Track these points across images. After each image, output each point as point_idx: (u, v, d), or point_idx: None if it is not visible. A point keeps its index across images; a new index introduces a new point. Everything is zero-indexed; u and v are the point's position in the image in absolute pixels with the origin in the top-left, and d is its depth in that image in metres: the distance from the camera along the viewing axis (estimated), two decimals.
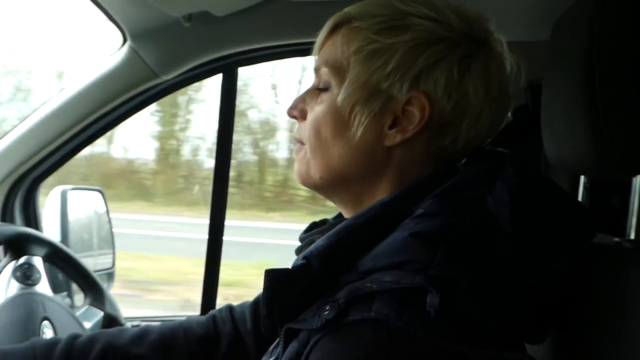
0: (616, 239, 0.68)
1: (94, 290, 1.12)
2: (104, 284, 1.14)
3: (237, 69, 1.37)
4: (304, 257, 0.56)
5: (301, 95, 0.66)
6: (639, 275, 0.58)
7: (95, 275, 1.12)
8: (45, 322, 0.95)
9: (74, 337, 0.77)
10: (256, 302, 0.86)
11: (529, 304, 0.55)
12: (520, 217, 0.55)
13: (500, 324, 0.51)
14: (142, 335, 0.80)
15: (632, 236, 0.68)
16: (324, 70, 0.62)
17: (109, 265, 1.74)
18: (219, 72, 1.36)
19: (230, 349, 0.81)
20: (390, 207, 0.59)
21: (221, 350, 0.81)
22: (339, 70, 0.61)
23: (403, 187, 0.60)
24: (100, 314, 1.11)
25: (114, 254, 1.78)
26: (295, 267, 0.56)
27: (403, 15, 0.59)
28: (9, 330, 0.90)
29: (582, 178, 0.81)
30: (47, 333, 0.94)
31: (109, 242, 1.78)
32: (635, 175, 0.68)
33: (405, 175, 0.61)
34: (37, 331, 0.92)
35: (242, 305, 0.87)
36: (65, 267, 1.10)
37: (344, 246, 0.57)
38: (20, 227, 1.06)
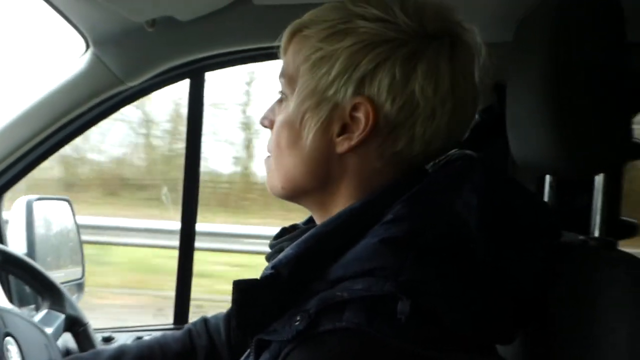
0: (581, 237, 0.69)
1: (51, 293, 1.06)
2: (64, 287, 1.09)
3: (204, 74, 1.36)
4: (273, 267, 0.56)
5: (270, 106, 0.66)
6: (604, 272, 0.59)
7: (51, 276, 1.08)
8: (8, 339, 0.91)
9: None
10: (229, 314, 0.86)
11: (501, 306, 0.55)
12: (490, 220, 0.55)
13: (471, 326, 0.51)
14: (119, 356, 0.79)
15: (597, 234, 0.69)
16: (281, 81, 0.63)
17: (78, 275, 1.71)
18: (186, 78, 1.34)
19: None
20: (358, 213, 0.58)
21: None
22: (291, 80, 0.61)
23: (371, 193, 0.59)
24: (62, 316, 1.06)
25: (83, 264, 1.74)
26: (264, 277, 0.56)
27: (349, 19, 0.58)
28: None
29: (547, 177, 0.82)
30: (12, 350, 0.90)
31: (78, 252, 1.74)
32: (597, 174, 0.69)
33: (366, 181, 0.60)
34: (1, 349, 0.89)
35: (216, 317, 0.86)
36: (19, 272, 1.05)
37: (313, 254, 0.56)
38: None
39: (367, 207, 0.58)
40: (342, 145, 0.59)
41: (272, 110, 0.66)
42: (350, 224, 0.57)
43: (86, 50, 1.22)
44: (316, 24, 0.59)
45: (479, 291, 0.53)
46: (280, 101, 0.64)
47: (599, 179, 0.69)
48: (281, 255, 0.57)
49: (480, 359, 0.53)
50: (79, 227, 1.74)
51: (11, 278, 1.27)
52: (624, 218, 1.55)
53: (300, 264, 0.56)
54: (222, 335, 0.82)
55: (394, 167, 0.60)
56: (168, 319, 1.53)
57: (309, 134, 0.60)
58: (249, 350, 0.61)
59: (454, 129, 0.60)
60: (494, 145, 1.13)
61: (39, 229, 1.55)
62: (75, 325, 1.08)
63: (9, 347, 0.90)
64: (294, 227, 0.69)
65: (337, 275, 0.53)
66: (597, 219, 0.69)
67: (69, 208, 1.73)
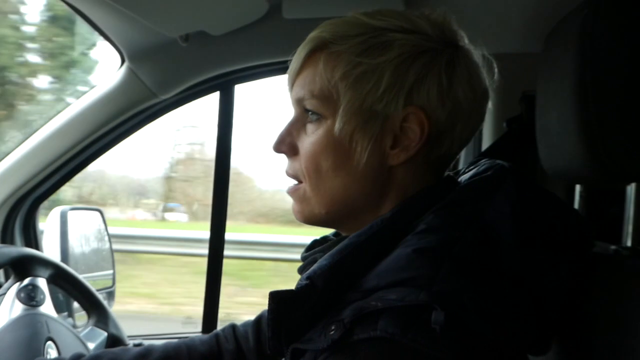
0: (613, 247, 0.68)
1: (97, 311, 1.12)
2: (107, 305, 1.14)
3: (234, 87, 1.39)
4: (308, 278, 0.56)
5: (286, 129, 0.63)
6: (637, 282, 0.59)
7: (99, 295, 1.12)
8: (49, 343, 0.95)
9: (78, 357, 0.77)
10: (258, 321, 0.87)
11: (533, 315, 0.54)
12: (522, 229, 0.55)
13: (504, 337, 0.51)
14: (145, 354, 0.80)
15: (629, 243, 0.68)
16: (312, 102, 0.60)
17: (109, 284, 1.74)
18: (216, 90, 1.38)
19: None
20: (390, 223, 0.58)
21: None
22: (328, 99, 0.59)
23: (402, 202, 0.59)
24: (104, 334, 1.11)
25: (114, 272, 1.78)
26: (299, 288, 0.55)
27: (380, 32, 0.58)
28: (14, 351, 0.90)
29: (577, 187, 0.82)
30: (51, 353, 0.94)
31: (109, 261, 1.78)
32: (629, 183, 0.69)
33: (406, 190, 0.60)
34: (42, 351, 0.92)
35: (245, 324, 0.87)
36: (69, 288, 1.10)
37: (347, 264, 0.56)
38: (24, 249, 1.06)
39: (399, 216, 0.58)
40: (398, 157, 0.58)
41: (288, 133, 0.63)
42: (382, 234, 0.57)
43: (122, 65, 1.26)
44: (344, 39, 0.58)
45: (511, 301, 0.53)
46: (306, 123, 0.62)
47: (630, 188, 0.69)
48: (315, 266, 0.57)
49: None
50: (110, 236, 1.79)
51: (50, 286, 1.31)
52: None
53: (334, 274, 0.56)
54: (250, 341, 0.83)
55: (432, 171, 0.61)
56: None
57: (363, 153, 0.58)
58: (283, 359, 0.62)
59: (477, 128, 0.63)
60: (522, 154, 1.13)
61: (73, 238, 1.60)
62: (116, 344, 1.12)
63: (50, 350, 0.94)
64: (325, 239, 0.69)
65: (371, 285, 0.53)
66: (629, 228, 0.68)
67: (101, 218, 1.78)
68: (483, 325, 0.50)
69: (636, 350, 0.55)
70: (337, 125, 0.58)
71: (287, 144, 0.63)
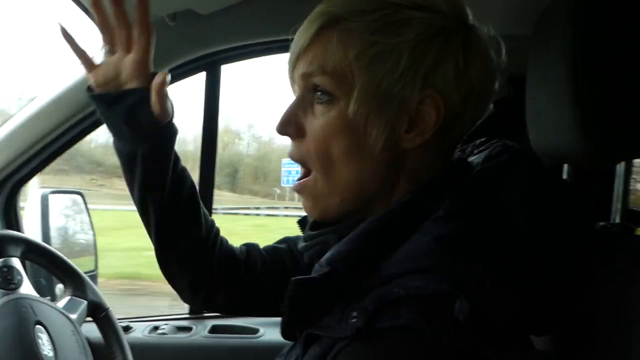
0: (602, 223, 0.71)
1: (73, 279, 1.08)
2: (82, 272, 1.11)
3: (220, 67, 1.38)
4: (328, 263, 0.55)
5: (291, 109, 0.60)
6: (625, 255, 0.61)
7: (73, 264, 1.10)
8: (38, 327, 0.93)
9: None
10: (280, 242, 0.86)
11: (539, 299, 0.56)
12: (532, 215, 0.55)
13: (516, 322, 0.51)
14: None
15: (618, 220, 0.71)
16: (323, 79, 0.56)
17: (91, 267, 1.73)
18: (202, 70, 1.36)
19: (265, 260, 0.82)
20: (409, 207, 0.57)
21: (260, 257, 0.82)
22: (342, 78, 0.56)
23: (419, 187, 0.58)
24: (84, 302, 1.08)
25: (96, 256, 1.77)
26: (321, 275, 0.54)
27: (396, 8, 0.55)
28: (4, 342, 0.88)
29: (565, 167, 0.84)
30: (43, 338, 0.92)
31: (91, 244, 1.77)
32: (619, 162, 0.71)
33: (420, 173, 0.59)
34: (32, 337, 0.90)
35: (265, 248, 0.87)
36: (43, 261, 1.06)
37: (367, 250, 0.55)
38: None
39: (416, 201, 0.57)
40: (414, 141, 0.57)
41: (294, 114, 0.59)
42: (400, 219, 0.56)
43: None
44: (358, 15, 0.55)
45: (522, 286, 0.53)
46: (314, 104, 0.58)
47: (620, 167, 0.71)
48: (334, 251, 0.56)
49: (529, 356, 0.53)
50: (92, 219, 1.76)
51: (29, 271, 1.28)
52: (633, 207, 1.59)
53: (355, 259, 0.55)
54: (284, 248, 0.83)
55: (444, 154, 0.60)
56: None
57: (379, 137, 0.56)
58: (293, 343, 0.62)
59: (486, 109, 0.61)
60: (508, 135, 1.15)
61: (54, 221, 1.58)
62: (97, 311, 1.09)
63: (40, 334, 0.92)
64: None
65: (390, 271, 0.52)
66: (617, 206, 0.71)
67: (82, 201, 1.76)
68: (500, 313, 0.50)
69: (627, 320, 0.58)
70: (351, 108, 0.56)
71: (293, 125, 0.60)
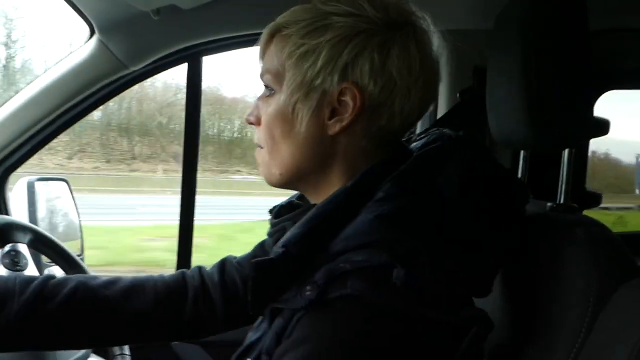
0: (549, 204, 0.79)
1: (76, 272, 1.15)
2: (86, 266, 1.17)
3: (201, 58, 1.43)
4: (283, 246, 0.63)
5: (255, 103, 0.72)
6: (565, 231, 0.70)
7: (77, 257, 1.16)
8: None
9: (50, 277, 0.80)
10: (223, 262, 0.93)
11: (481, 268, 0.64)
12: (468, 195, 0.64)
13: (456, 288, 0.60)
14: (115, 281, 0.85)
15: (562, 201, 0.79)
16: (268, 78, 0.69)
17: (77, 253, 1.77)
18: (184, 62, 1.41)
19: (197, 298, 0.87)
20: (353, 192, 0.65)
21: (189, 299, 0.87)
22: (278, 75, 0.67)
23: (362, 174, 0.66)
24: None
25: (82, 241, 1.81)
26: (277, 256, 0.63)
27: (324, 16, 0.65)
28: None
29: (522, 153, 0.92)
30: None
31: (77, 230, 1.81)
32: (564, 149, 0.79)
33: (356, 161, 0.68)
34: None
35: (211, 267, 0.94)
36: (49, 251, 1.12)
37: (317, 231, 0.64)
38: (3, 216, 1.09)
39: (360, 185, 0.65)
40: (334, 127, 0.66)
41: (256, 107, 0.71)
42: (346, 202, 0.65)
43: (90, 37, 1.28)
44: (294, 24, 0.66)
45: (457, 257, 0.61)
46: (265, 97, 0.70)
47: (565, 153, 0.79)
48: (289, 235, 0.65)
49: (464, 313, 0.60)
50: (77, 206, 1.80)
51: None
52: (590, 190, 1.69)
53: (306, 241, 0.63)
54: (215, 279, 0.89)
55: (379, 145, 0.68)
56: None
57: (302, 122, 0.66)
58: (262, 318, 0.72)
59: (425, 104, 0.69)
60: (473, 123, 1.22)
61: (41, 209, 1.61)
62: None
63: None
64: (290, 204, 0.77)
65: (338, 248, 0.60)
66: (563, 187, 0.79)
67: (68, 188, 1.79)
68: (438, 278, 0.58)
69: (561, 291, 0.66)
70: (282, 98, 0.67)
71: (254, 116, 0.72)
